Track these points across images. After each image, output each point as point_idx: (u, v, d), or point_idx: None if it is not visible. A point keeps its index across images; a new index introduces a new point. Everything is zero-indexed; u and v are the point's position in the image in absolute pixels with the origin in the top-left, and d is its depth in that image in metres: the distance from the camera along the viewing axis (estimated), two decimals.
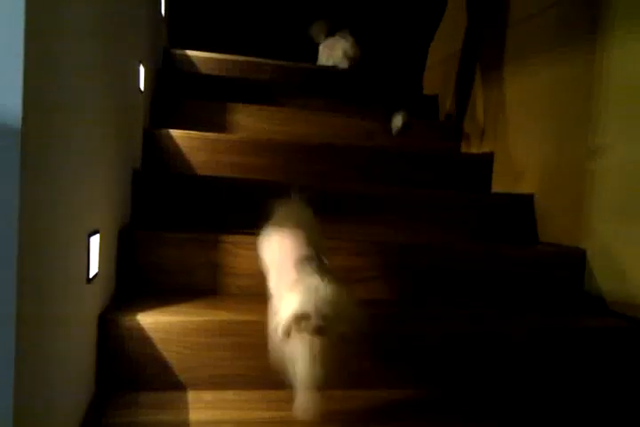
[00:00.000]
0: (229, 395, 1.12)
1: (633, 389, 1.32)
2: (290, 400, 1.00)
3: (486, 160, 2.12)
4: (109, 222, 1.21)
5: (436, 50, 2.39)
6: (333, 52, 2.96)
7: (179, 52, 2.70)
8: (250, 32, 3.62)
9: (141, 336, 1.12)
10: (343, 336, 0.91)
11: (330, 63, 2.99)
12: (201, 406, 1.07)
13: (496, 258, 1.54)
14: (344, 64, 2.89)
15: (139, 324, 1.12)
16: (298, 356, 0.89)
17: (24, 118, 0.59)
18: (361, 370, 1.21)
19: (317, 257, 1.03)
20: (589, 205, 1.60)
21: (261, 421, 1.02)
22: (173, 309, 1.21)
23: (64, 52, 0.75)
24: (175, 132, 1.85)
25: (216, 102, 2.14)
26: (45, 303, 0.72)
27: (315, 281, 0.92)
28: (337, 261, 1.43)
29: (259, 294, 1.40)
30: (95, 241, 1.02)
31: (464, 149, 2.34)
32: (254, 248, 1.40)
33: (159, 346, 1.12)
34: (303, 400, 0.96)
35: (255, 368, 1.16)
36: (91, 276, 0.99)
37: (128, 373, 1.12)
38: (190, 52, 2.71)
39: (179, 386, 1.13)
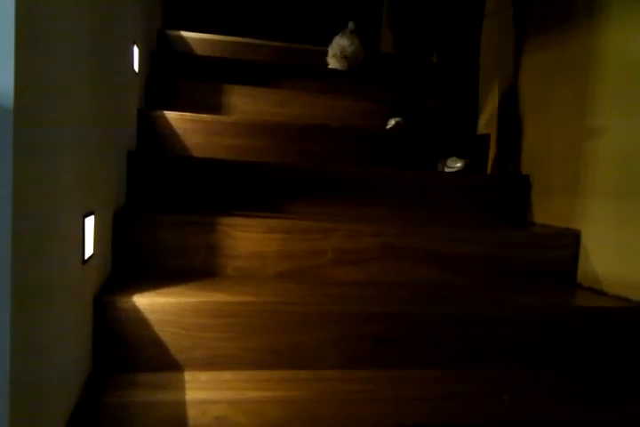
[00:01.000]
0: (224, 375, 1.13)
1: (627, 370, 1.34)
2: (283, 380, 1.01)
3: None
4: (104, 204, 1.21)
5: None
6: (331, 51, 2.63)
7: (174, 33, 2.67)
8: (246, 13, 3.58)
9: (137, 317, 1.12)
10: None
11: (330, 62, 2.65)
12: (196, 386, 1.07)
13: (490, 239, 1.55)
14: (340, 65, 2.57)
15: (134, 305, 1.12)
16: None
17: (15, 98, 0.58)
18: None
19: None
20: (585, 186, 1.60)
21: (255, 400, 1.03)
22: (169, 290, 1.21)
23: (56, 31, 0.74)
24: (170, 114, 1.84)
25: (211, 84, 2.12)
26: (41, 284, 0.72)
27: None
28: (332, 243, 1.44)
29: (255, 276, 1.41)
30: (90, 222, 1.02)
31: None
32: (251, 230, 1.41)
33: (155, 327, 1.13)
34: None
35: (250, 349, 1.17)
36: (86, 257, 0.99)
37: (124, 354, 1.13)
38: (185, 33, 2.68)
39: (175, 367, 1.14)
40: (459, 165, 1.84)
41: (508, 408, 1.09)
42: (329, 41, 2.73)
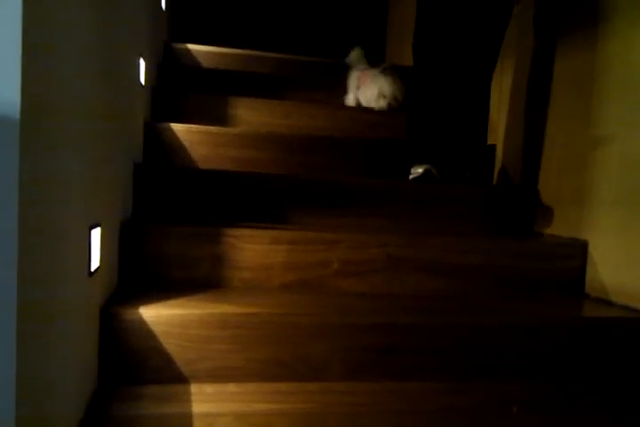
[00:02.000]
0: (230, 387, 1.13)
1: (635, 381, 1.32)
2: (289, 393, 1.01)
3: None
4: (111, 216, 1.21)
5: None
6: (366, 89, 2.33)
7: (180, 45, 2.69)
8: (251, 25, 3.61)
9: (143, 329, 1.12)
10: None
11: (362, 101, 2.35)
12: (202, 398, 1.07)
13: (497, 249, 1.54)
14: (380, 104, 2.26)
15: (140, 317, 1.12)
16: None
17: (22, 110, 0.59)
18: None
19: None
20: (591, 196, 1.59)
21: (261, 413, 1.03)
22: (175, 302, 1.21)
23: (63, 44, 0.75)
24: (176, 126, 1.85)
25: (217, 96, 2.14)
26: (47, 297, 0.72)
27: None
28: (338, 254, 1.44)
29: (260, 287, 1.41)
30: (96, 234, 1.02)
31: None
32: (258, 241, 1.41)
33: (160, 339, 1.13)
34: None
35: (255, 361, 1.16)
36: (92, 269, 0.99)
37: (130, 366, 1.13)
38: (191, 46, 2.71)
39: (180, 379, 1.14)
40: (419, 170, 1.83)
41: (517, 421, 1.08)
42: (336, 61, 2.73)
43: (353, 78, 2.44)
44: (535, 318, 1.33)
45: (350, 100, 2.40)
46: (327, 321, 1.20)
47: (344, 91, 2.44)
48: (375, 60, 2.59)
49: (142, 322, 1.12)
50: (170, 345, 1.13)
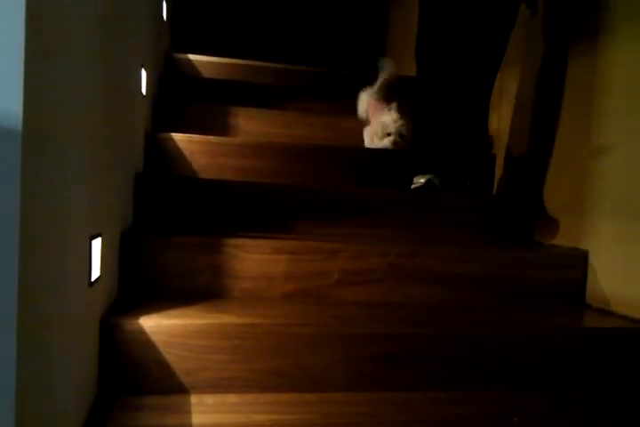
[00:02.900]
0: (230, 398, 1.12)
1: (636, 391, 1.32)
2: (289, 403, 1.00)
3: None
4: (111, 225, 1.22)
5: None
6: (378, 127, 2.14)
7: (181, 56, 2.71)
8: (252, 36, 3.62)
9: (143, 340, 1.12)
10: None
11: (377, 140, 2.15)
12: (202, 409, 1.06)
13: (498, 259, 1.54)
14: (384, 144, 2.11)
15: (141, 327, 1.12)
16: None
17: (24, 121, 0.59)
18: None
19: None
20: (592, 205, 1.60)
21: (261, 424, 1.02)
22: (175, 312, 1.21)
23: (64, 55, 0.75)
24: (177, 136, 1.85)
25: (218, 106, 2.14)
26: (47, 307, 0.72)
27: None
28: (338, 263, 1.44)
29: (262, 297, 1.41)
30: (97, 244, 1.02)
31: None
32: (258, 251, 1.41)
33: (161, 349, 1.12)
34: None
35: (256, 371, 1.16)
36: (92, 279, 0.99)
37: (130, 376, 1.12)
38: (192, 56, 2.72)
39: (180, 389, 1.13)
40: (422, 180, 1.81)
41: None
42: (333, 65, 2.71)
43: (363, 102, 2.33)
44: (536, 328, 1.33)
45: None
46: (328, 331, 1.20)
47: (344, 100, 2.45)
48: (374, 69, 2.59)
49: (142, 332, 1.12)
50: (170, 355, 1.13)
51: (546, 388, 1.28)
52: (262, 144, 1.91)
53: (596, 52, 1.63)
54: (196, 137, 1.87)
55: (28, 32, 0.59)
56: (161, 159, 1.84)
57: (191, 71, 2.70)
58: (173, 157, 1.85)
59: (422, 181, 1.81)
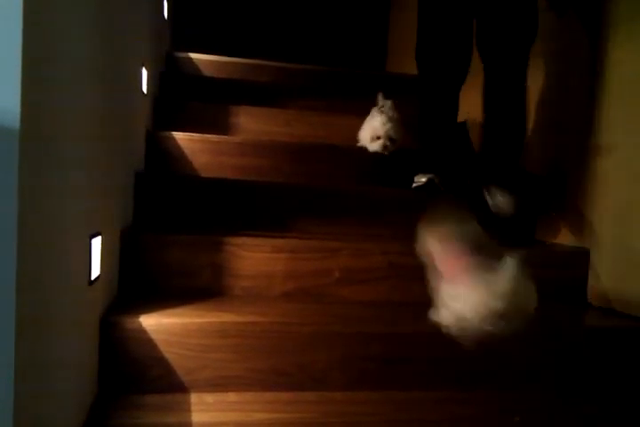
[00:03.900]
0: (230, 397, 1.12)
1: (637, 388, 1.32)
2: (289, 402, 1.00)
3: None
4: (111, 224, 1.21)
5: None
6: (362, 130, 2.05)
7: (182, 55, 2.70)
8: (252, 34, 3.62)
9: (143, 338, 1.12)
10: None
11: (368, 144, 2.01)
12: (203, 408, 1.06)
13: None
14: (373, 147, 1.98)
15: (141, 326, 1.12)
16: None
17: (22, 119, 0.59)
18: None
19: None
20: (593, 204, 1.59)
21: (261, 423, 1.02)
22: (176, 310, 1.21)
23: (64, 54, 0.75)
24: (178, 135, 1.85)
25: (219, 104, 2.14)
26: (46, 306, 0.72)
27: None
28: (339, 262, 1.43)
29: (262, 296, 1.41)
30: (97, 243, 1.02)
31: None
32: (259, 250, 1.41)
33: (161, 348, 1.12)
34: None
35: (256, 370, 1.16)
36: (92, 278, 0.99)
37: (130, 375, 1.12)
38: (193, 55, 2.72)
39: (181, 388, 1.13)
40: (423, 180, 1.80)
41: None
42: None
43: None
44: (537, 327, 1.32)
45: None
46: (328, 330, 1.19)
47: (344, 98, 2.44)
48: (376, 68, 2.57)
49: (143, 331, 1.12)
50: (170, 354, 1.13)
51: (547, 387, 1.28)
52: (263, 143, 1.91)
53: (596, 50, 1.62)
54: (196, 135, 1.87)
55: (27, 31, 0.59)
56: (162, 158, 1.83)
57: (192, 70, 2.70)
58: (174, 155, 1.85)
59: (423, 180, 1.80)
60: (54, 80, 0.71)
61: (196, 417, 1.02)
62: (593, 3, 1.67)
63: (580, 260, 1.59)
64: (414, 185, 1.82)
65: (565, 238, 1.70)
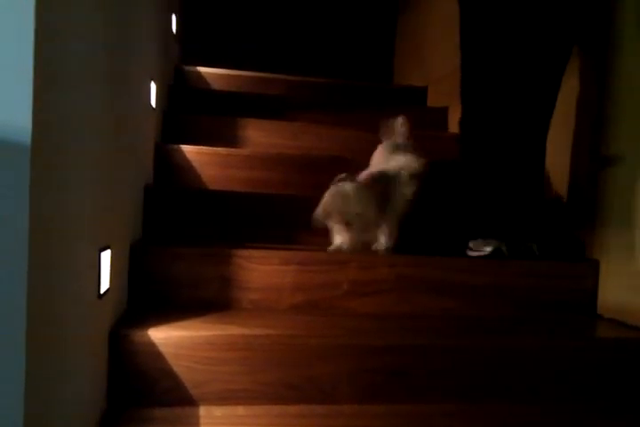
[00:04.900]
0: (239, 410, 1.12)
1: None
2: (298, 416, 1.00)
3: None
4: (121, 238, 1.22)
5: None
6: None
7: (190, 68, 2.73)
8: (260, 48, 3.65)
9: (152, 352, 1.12)
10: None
11: None
12: (211, 421, 1.06)
13: (508, 269, 1.53)
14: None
15: (150, 339, 1.12)
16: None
17: (34, 135, 0.60)
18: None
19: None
20: (602, 215, 1.59)
21: None
22: (184, 323, 1.21)
23: (74, 69, 0.76)
24: (187, 148, 1.87)
25: (227, 117, 2.16)
26: (56, 319, 0.72)
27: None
28: (347, 274, 1.43)
29: (270, 308, 1.41)
30: (106, 257, 1.02)
31: None
32: (267, 262, 1.41)
33: (170, 361, 1.12)
34: None
35: (264, 383, 1.15)
36: (102, 291, 0.99)
37: (139, 388, 1.12)
38: (202, 69, 2.74)
39: (189, 401, 1.13)
40: (488, 249, 1.59)
41: None
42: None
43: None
44: (547, 339, 1.31)
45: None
46: (337, 343, 1.19)
47: (351, 111, 2.45)
48: (382, 80, 2.57)
49: (152, 344, 1.12)
50: (179, 367, 1.13)
51: (560, 400, 1.27)
52: (271, 155, 1.92)
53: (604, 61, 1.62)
54: (205, 149, 1.88)
55: (38, 46, 0.60)
56: (170, 171, 1.85)
57: (200, 83, 2.72)
58: (183, 168, 1.86)
59: (488, 249, 1.59)
60: (66, 94, 0.72)
61: None
62: (602, 15, 1.67)
63: (589, 271, 1.58)
64: (474, 254, 1.61)
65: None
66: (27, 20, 0.59)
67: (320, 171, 1.92)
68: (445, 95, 2.64)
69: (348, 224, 1.55)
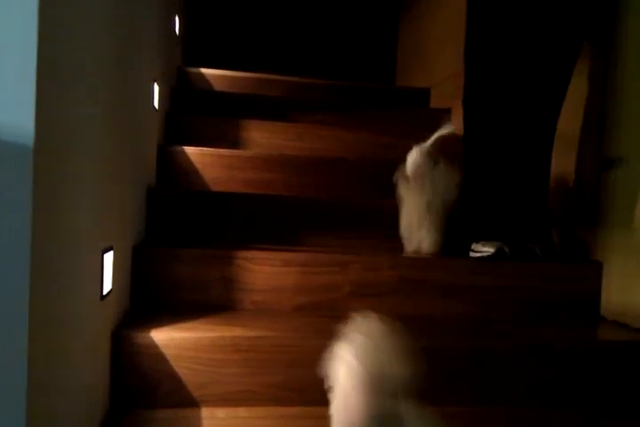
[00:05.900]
0: (241, 412, 1.12)
1: None
2: (300, 417, 1.00)
3: None
4: (123, 239, 1.22)
5: None
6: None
7: (193, 70, 2.73)
8: (263, 49, 3.66)
9: (155, 353, 1.12)
10: None
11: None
12: (213, 423, 1.06)
13: (511, 271, 1.53)
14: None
15: (152, 340, 1.12)
16: None
17: (36, 136, 0.60)
18: None
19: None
20: (605, 217, 1.58)
21: None
22: (187, 325, 1.21)
23: (78, 70, 0.76)
24: (189, 149, 1.87)
25: (230, 119, 2.16)
26: (58, 320, 0.72)
27: None
28: (350, 276, 1.43)
29: (272, 310, 1.40)
30: (109, 258, 1.02)
31: None
32: (269, 264, 1.41)
33: (172, 363, 1.12)
34: None
35: (267, 385, 1.15)
36: (104, 293, 0.99)
37: (141, 389, 1.12)
38: (204, 70, 2.74)
39: (191, 403, 1.13)
40: (491, 250, 1.57)
41: None
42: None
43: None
44: (550, 341, 1.31)
45: None
46: None
47: (354, 112, 2.45)
48: (385, 81, 2.58)
49: (154, 345, 1.12)
50: (181, 369, 1.13)
51: (562, 403, 1.27)
52: (274, 157, 1.92)
53: (607, 62, 1.62)
54: (207, 150, 1.89)
55: (41, 48, 0.60)
56: (173, 172, 1.85)
57: (203, 85, 2.72)
58: (185, 169, 1.86)
59: (491, 250, 1.57)
60: (69, 96, 0.72)
61: None
62: (607, 18, 1.67)
63: (592, 273, 1.58)
64: (477, 255, 1.60)
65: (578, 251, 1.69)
66: (30, 20, 0.59)
67: (323, 172, 1.92)
68: (448, 96, 2.64)
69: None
